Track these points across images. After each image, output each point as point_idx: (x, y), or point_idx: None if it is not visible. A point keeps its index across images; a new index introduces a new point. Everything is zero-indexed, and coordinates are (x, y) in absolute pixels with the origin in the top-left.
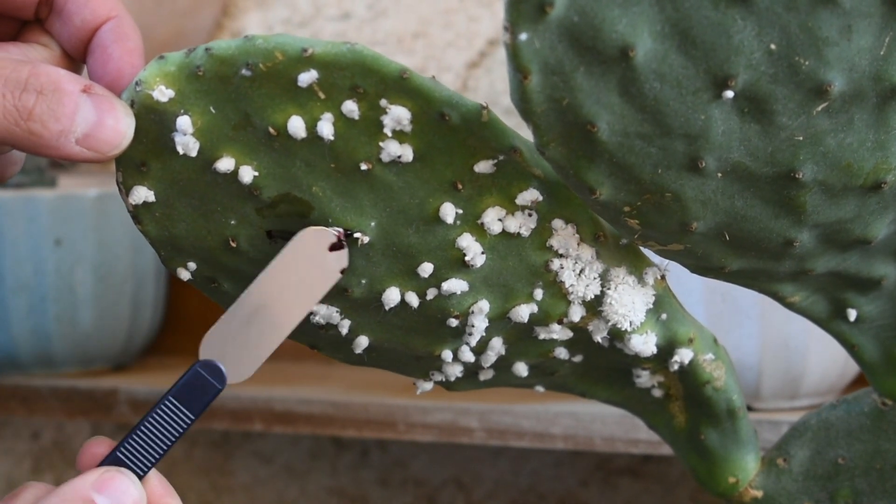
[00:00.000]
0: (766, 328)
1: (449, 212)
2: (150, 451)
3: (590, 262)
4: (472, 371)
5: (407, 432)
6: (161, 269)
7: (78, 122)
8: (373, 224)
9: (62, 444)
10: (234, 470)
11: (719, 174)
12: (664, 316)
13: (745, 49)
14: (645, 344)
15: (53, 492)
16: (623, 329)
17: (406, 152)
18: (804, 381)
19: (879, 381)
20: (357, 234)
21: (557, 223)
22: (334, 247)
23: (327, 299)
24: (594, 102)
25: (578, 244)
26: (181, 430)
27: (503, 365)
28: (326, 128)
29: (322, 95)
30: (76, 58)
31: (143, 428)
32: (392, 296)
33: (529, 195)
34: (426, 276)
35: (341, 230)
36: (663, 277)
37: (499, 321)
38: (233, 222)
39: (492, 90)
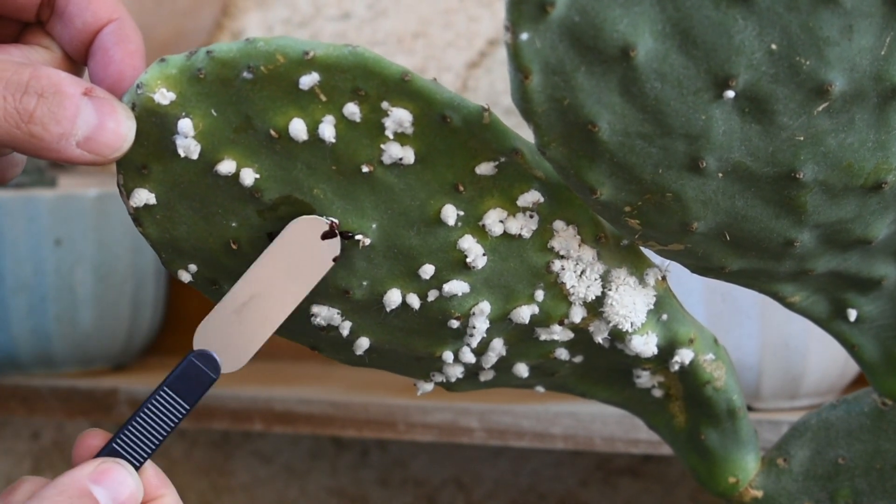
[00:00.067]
0: (766, 328)
1: (450, 213)
2: (146, 442)
3: (591, 264)
4: (472, 372)
5: (407, 432)
6: (161, 270)
7: (79, 125)
8: (374, 226)
9: (62, 444)
10: (234, 470)
11: (720, 174)
12: (665, 316)
13: (746, 49)
14: (646, 344)
15: (51, 484)
16: (624, 330)
17: (407, 154)
18: (804, 381)
19: (879, 381)
20: (358, 237)
21: (559, 224)
22: (326, 235)
23: (328, 301)
24: (595, 102)
25: (580, 245)
26: (176, 421)
27: (504, 366)
28: (328, 130)
29: (323, 98)
30: (77, 60)
31: (138, 419)
32: (393, 297)
33: (531, 197)
34: (427, 277)
35: (334, 220)
36: (664, 278)
37: (500, 322)
38: (234, 224)
39: (492, 90)
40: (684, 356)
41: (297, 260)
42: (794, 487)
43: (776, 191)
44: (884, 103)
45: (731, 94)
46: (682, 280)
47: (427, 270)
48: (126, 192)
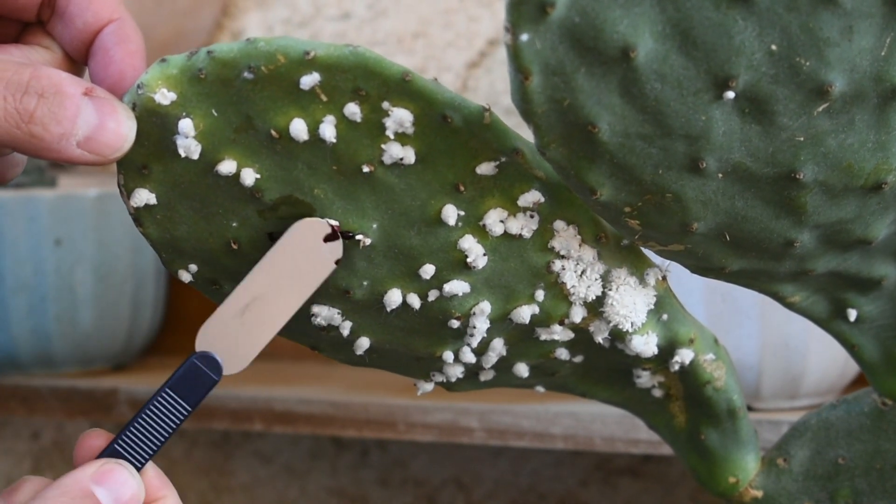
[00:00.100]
0: (766, 328)
1: (451, 213)
2: (148, 443)
3: (591, 264)
4: (472, 372)
5: (407, 432)
6: (161, 270)
7: (79, 125)
8: (374, 226)
9: (62, 444)
10: (234, 470)
11: (720, 175)
12: (665, 316)
13: (746, 50)
14: (646, 344)
15: (53, 484)
16: (624, 330)
17: (408, 154)
18: (804, 381)
19: (879, 381)
20: (359, 237)
21: (559, 224)
22: (329, 237)
23: (329, 301)
24: (595, 103)
25: (580, 245)
26: (178, 422)
27: (504, 366)
28: (328, 130)
29: (324, 98)
30: (78, 60)
31: (140, 420)
32: (394, 297)
33: (531, 196)
34: (428, 277)
35: (336, 222)
36: (664, 278)
37: (500, 322)
38: (234, 224)
39: (492, 90)
40: (684, 356)
41: (299, 263)
42: (794, 487)
43: (776, 191)
44: (884, 104)
45: (731, 94)
46: (682, 280)
47: (427, 270)
48: (126, 192)
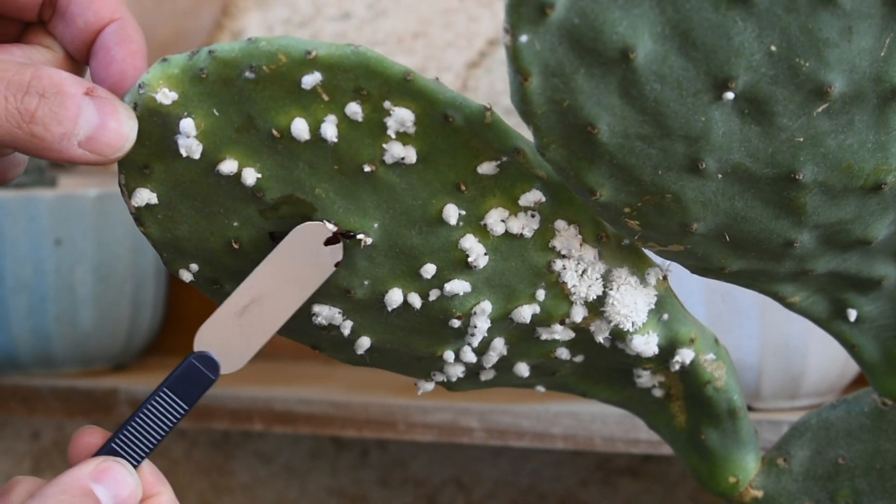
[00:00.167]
0: (766, 328)
1: (452, 213)
2: (144, 441)
3: (592, 263)
4: (473, 371)
5: (407, 432)
6: (161, 269)
7: (80, 125)
8: (376, 225)
9: (62, 444)
10: (234, 470)
11: (720, 175)
12: (666, 316)
13: (746, 51)
14: (647, 344)
15: (52, 482)
16: (625, 329)
17: (409, 154)
18: (804, 381)
19: (879, 381)
20: (360, 236)
21: (560, 224)
22: (330, 241)
23: (330, 300)
24: (595, 104)
25: (581, 245)
26: (175, 421)
27: (505, 365)
28: (330, 130)
29: (325, 97)
30: (79, 60)
31: (137, 419)
32: (395, 297)
33: (532, 196)
34: (429, 277)
35: (337, 227)
36: (665, 278)
37: (501, 322)
38: (235, 224)
39: (492, 90)
40: (685, 356)
41: (299, 265)
42: (794, 487)
43: (776, 192)
44: (883, 104)
45: (730, 95)
46: (683, 280)
47: (428, 270)
48: (128, 191)
